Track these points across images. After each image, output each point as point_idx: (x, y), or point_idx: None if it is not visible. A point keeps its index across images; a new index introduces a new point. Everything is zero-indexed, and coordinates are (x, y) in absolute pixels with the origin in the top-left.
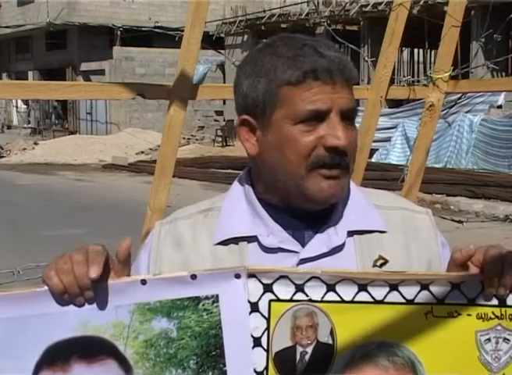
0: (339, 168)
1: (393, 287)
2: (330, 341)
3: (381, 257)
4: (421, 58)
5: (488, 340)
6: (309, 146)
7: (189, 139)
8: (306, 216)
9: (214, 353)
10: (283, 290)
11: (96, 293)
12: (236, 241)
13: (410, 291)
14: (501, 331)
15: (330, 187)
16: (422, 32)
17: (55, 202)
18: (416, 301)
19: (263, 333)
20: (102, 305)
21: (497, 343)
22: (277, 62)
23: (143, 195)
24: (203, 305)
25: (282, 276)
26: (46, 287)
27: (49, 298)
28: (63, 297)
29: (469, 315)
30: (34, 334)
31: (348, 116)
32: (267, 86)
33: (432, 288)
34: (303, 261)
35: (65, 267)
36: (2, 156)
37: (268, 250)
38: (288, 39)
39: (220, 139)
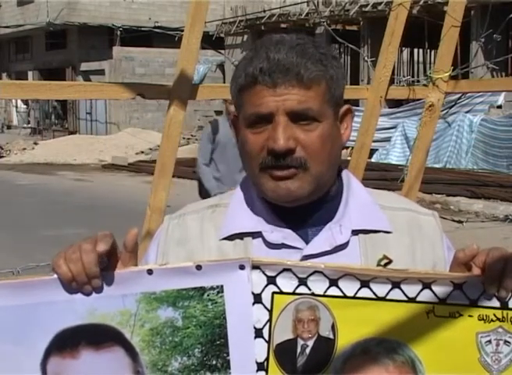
0: (289, 168)
1: (396, 284)
2: (331, 336)
3: (385, 257)
4: (420, 58)
5: (489, 342)
6: (256, 148)
7: (189, 139)
8: (305, 213)
9: (218, 342)
10: (286, 283)
11: (103, 282)
12: (241, 236)
13: (412, 290)
14: (502, 334)
15: (279, 187)
16: (422, 32)
17: (54, 202)
18: (418, 299)
19: (265, 325)
20: (109, 294)
21: (498, 345)
22: (240, 65)
23: (143, 195)
24: (208, 295)
25: (285, 269)
26: (55, 276)
27: (58, 286)
28: (71, 285)
29: (470, 316)
30: (43, 321)
31: (303, 117)
32: (234, 89)
33: (434, 288)
34: (306, 258)
35: (73, 256)
36: (2, 156)
37: (272, 246)
38: (264, 41)
39: None
